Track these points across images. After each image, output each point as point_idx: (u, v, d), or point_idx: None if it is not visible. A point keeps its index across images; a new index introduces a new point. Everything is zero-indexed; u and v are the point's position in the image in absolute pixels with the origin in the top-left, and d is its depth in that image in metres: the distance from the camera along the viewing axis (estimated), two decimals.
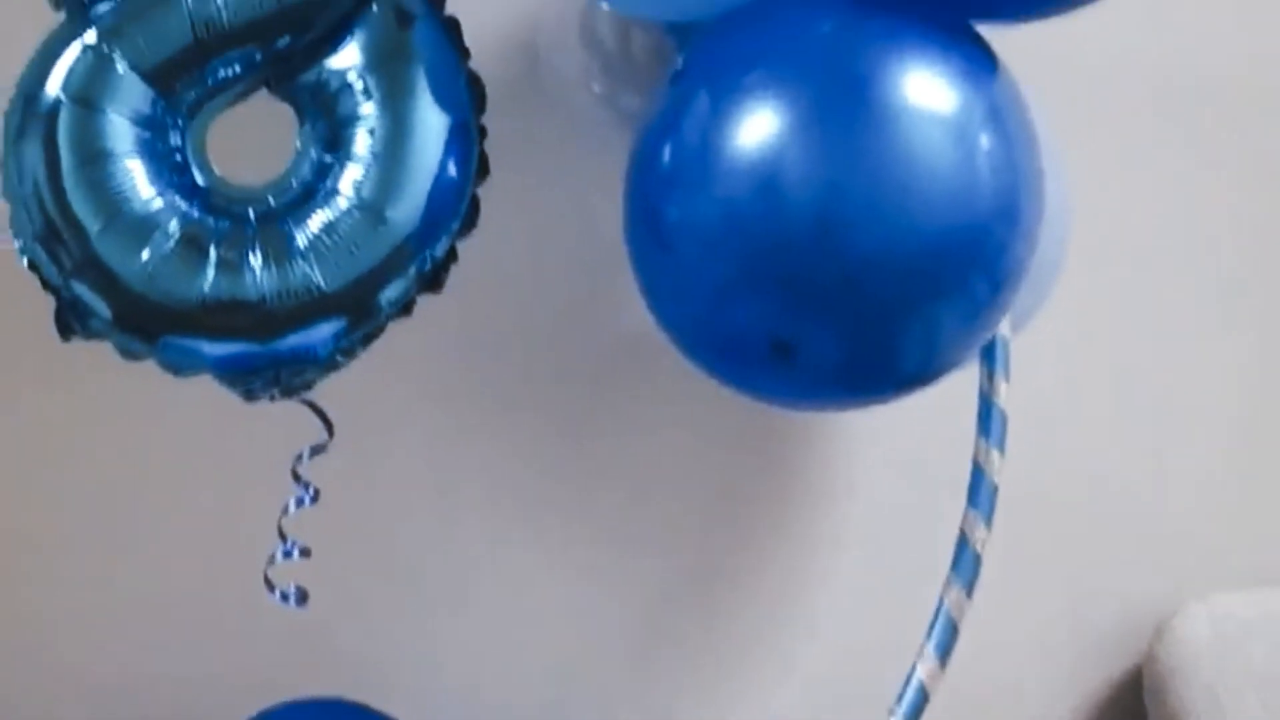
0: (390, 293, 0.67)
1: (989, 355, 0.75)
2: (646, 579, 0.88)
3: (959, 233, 0.64)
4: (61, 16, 0.66)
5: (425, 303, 0.69)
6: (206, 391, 0.68)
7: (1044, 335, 0.79)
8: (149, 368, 0.66)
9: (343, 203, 0.66)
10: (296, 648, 0.82)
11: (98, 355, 0.66)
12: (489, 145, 0.70)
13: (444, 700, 0.82)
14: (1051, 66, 0.72)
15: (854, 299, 0.63)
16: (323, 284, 0.65)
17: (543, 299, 0.84)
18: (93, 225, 0.64)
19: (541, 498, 0.86)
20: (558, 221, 0.83)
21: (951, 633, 0.75)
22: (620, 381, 0.85)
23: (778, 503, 0.88)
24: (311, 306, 0.66)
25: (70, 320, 0.66)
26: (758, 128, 0.63)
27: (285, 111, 0.69)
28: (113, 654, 0.82)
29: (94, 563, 0.83)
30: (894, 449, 0.88)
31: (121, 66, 0.65)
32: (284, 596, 0.69)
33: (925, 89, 0.64)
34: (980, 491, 0.75)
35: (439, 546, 0.85)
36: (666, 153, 0.67)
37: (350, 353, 0.68)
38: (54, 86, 0.65)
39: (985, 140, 0.64)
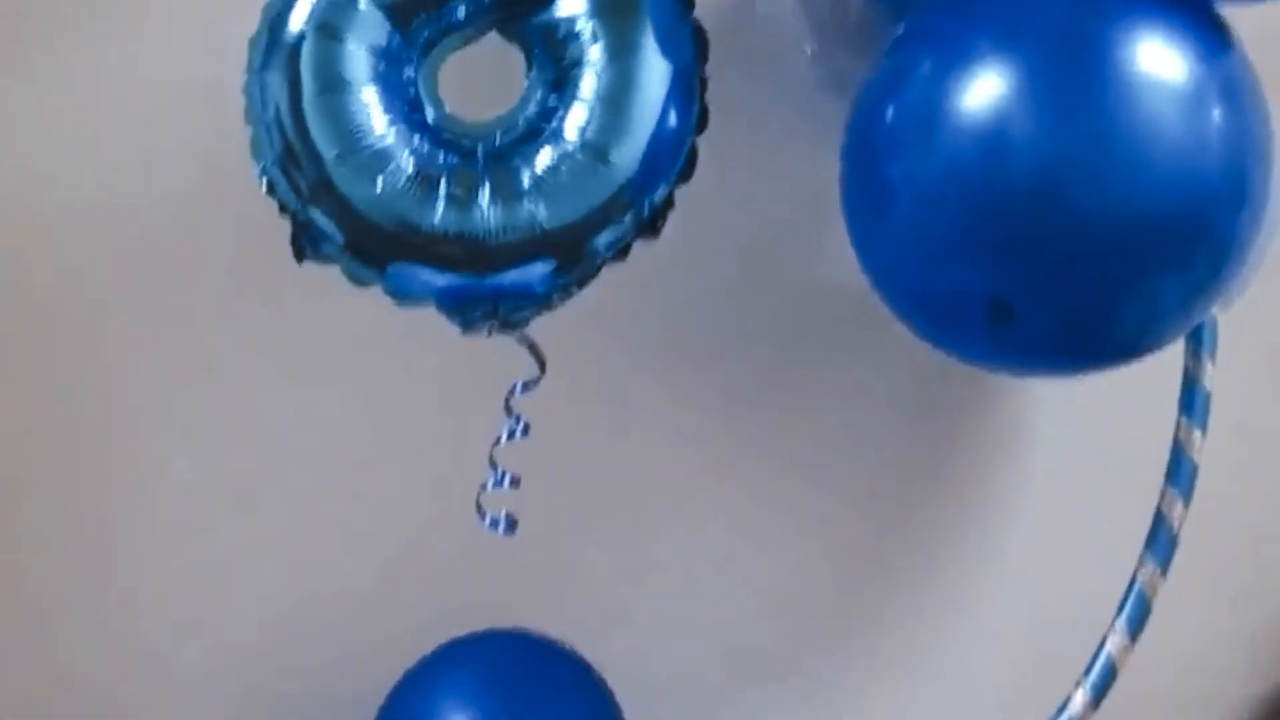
0: (605, 238, 0.69)
1: (1196, 334, 0.75)
2: (819, 543, 0.88)
3: (1184, 206, 0.63)
4: None
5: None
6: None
7: (1250, 317, 0.77)
8: (370, 297, 0.69)
9: (568, 144, 0.68)
10: (486, 580, 0.84)
11: (328, 283, 0.69)
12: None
13: (614, 640, 0.82)
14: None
15: (1073, 265, 0.62)
16: (545, 222, 0.67)
17: (741, 254, 0.84)
18: (329, 152, 0.67)
19: (724, 453, 0.86)
20: (761, 178, 0.84)
21: (1144, 610, 0.74)
22: (811, 344, 0.85)
23: (960, 475, 0.88)
24: (533, 244, 0.67)
25: (304, 244, 0.69)
26: (985, 90, 0.63)
27: (509, 52, 0.71)
28: (296, 572, 0.85)
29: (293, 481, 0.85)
30: (1086, 428, 0.87)
31: (364, 1, 0.68)
32: (494, 523, 0.71)
33: (1159, 60, 0.63)
34: (1180, 471, 0.75)
35: (619, 492, 0.86)
36: (889, 113, 0.67)
37: (567, 292, 0.70)
38: (299, 19, 0.68)
39: (1217, 115, 0.63)
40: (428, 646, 0.78)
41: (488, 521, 0.71)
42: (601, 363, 0.84)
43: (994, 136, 0.63)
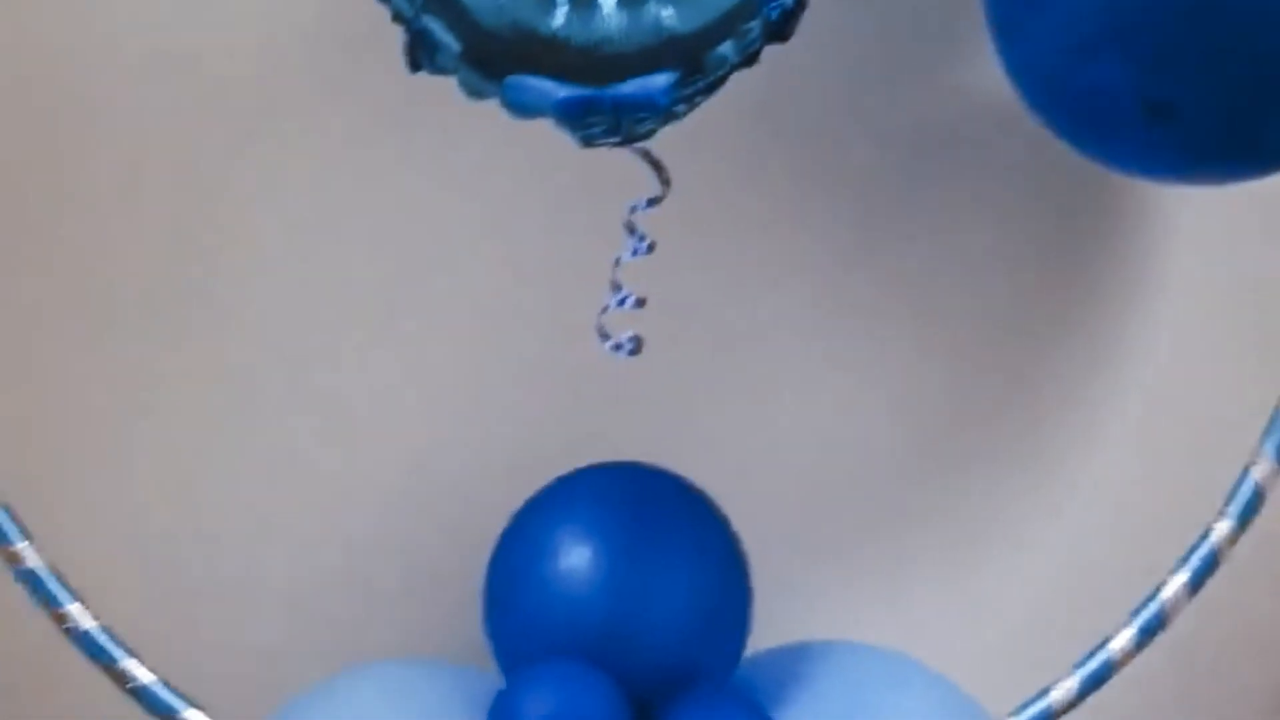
0: (732, 43, 0.65)
1: None
2: (931, 376, 0.86)
3: None
4: None
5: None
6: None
7: None
8: (485, 118, 0.66)
9: None
10: (605, 411, 0.82)
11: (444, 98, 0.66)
12: None
13: (728, 471, 0.80)
14: None
15: (1237, 57, 0.59)
16: (673, 26, 0.64)
17: (873, 62, 0.81)
18: None
19: (850, 273, 0.84)
20: None
21: None
22: (943, 160, 0.82)
23: (1086, 305, 0.85)
24: (656, 51, 0.64)
25: (419, 54, 0.66)
26: None
27: None
28: (423, 401, 0.83)
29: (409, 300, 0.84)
30: (1227, 255, 0.83)
31: None
32: (616, 346, 0.69)
33: None
34: None
35: (728, 321, 0.84)
36: None
37: (691, 102, 0.66)
38: None
39: None
40: (544, 478, 0.76)
41: (610, 344, 0.69)
42: (723, 178, 0.81)
43: None
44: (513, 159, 0.79)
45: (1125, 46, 0.60)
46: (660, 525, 0.75)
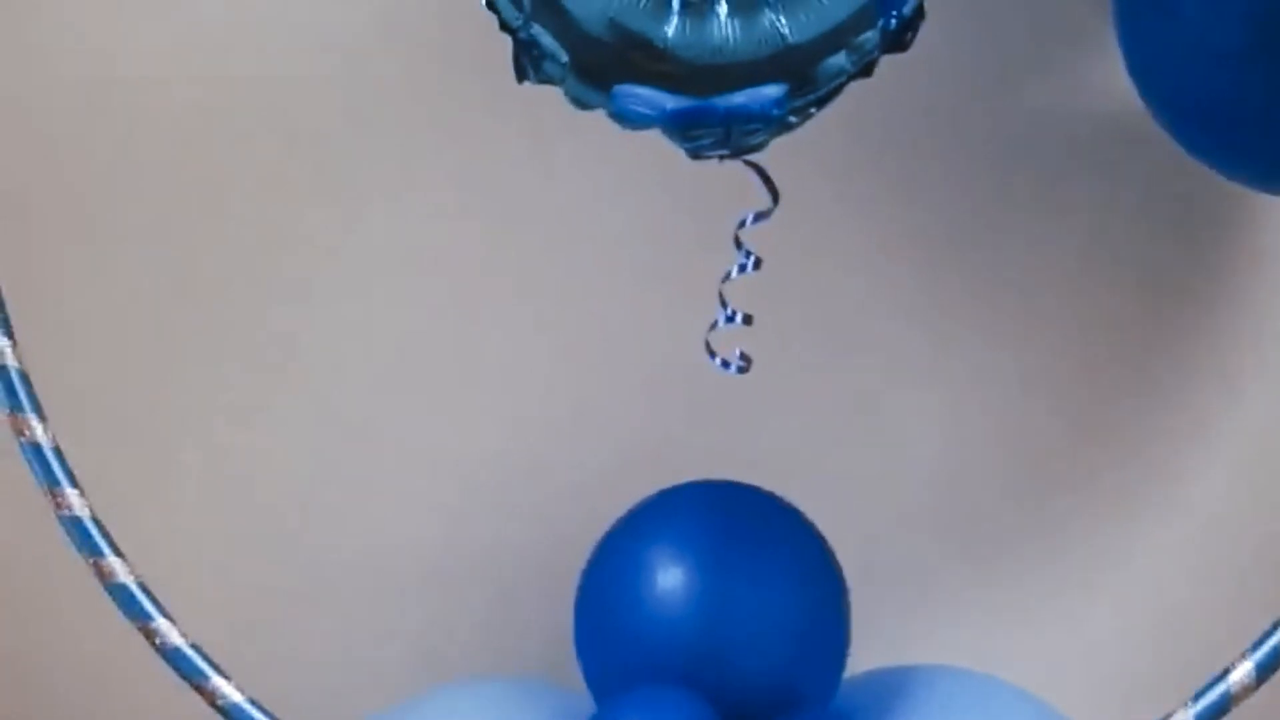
0: (847, 53, 0.64)
1: None
2: (1039, 398, 0.85)
3: None
4: None
5: None
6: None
7: None
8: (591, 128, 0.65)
9: None
10: (689, 428, 0.81)
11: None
12: None
13: (826, 491, 0.79)
14: None
15: None
16: (789, 35, 0.62)
17: (992, 72, 0.79)
18: None
19: (936, 284, 0.82)
20: None
21: None
22: (1034, 168, 0.80)
23: (1202, 320, 0.83)
24: (769, 62, 0.63)
25: (525, 64, 0.65)
26: None
27: None
28: (508, 415, 0.82)
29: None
30: None
31: None
32: (725, 363, 0.67)
33: None
34: None
35: (832, 337, 0.83)
36: None
37: (804, 113, 0.65)
38: None
39: None
40: (642, 495, 0.74)
41: (718, 361, 0.68)
42: (823, 189, 0.79)
43: None
44: (617, 170, 0.78)
45: (1267, 54, 0.58)
46: (755, 544, 0.74)
